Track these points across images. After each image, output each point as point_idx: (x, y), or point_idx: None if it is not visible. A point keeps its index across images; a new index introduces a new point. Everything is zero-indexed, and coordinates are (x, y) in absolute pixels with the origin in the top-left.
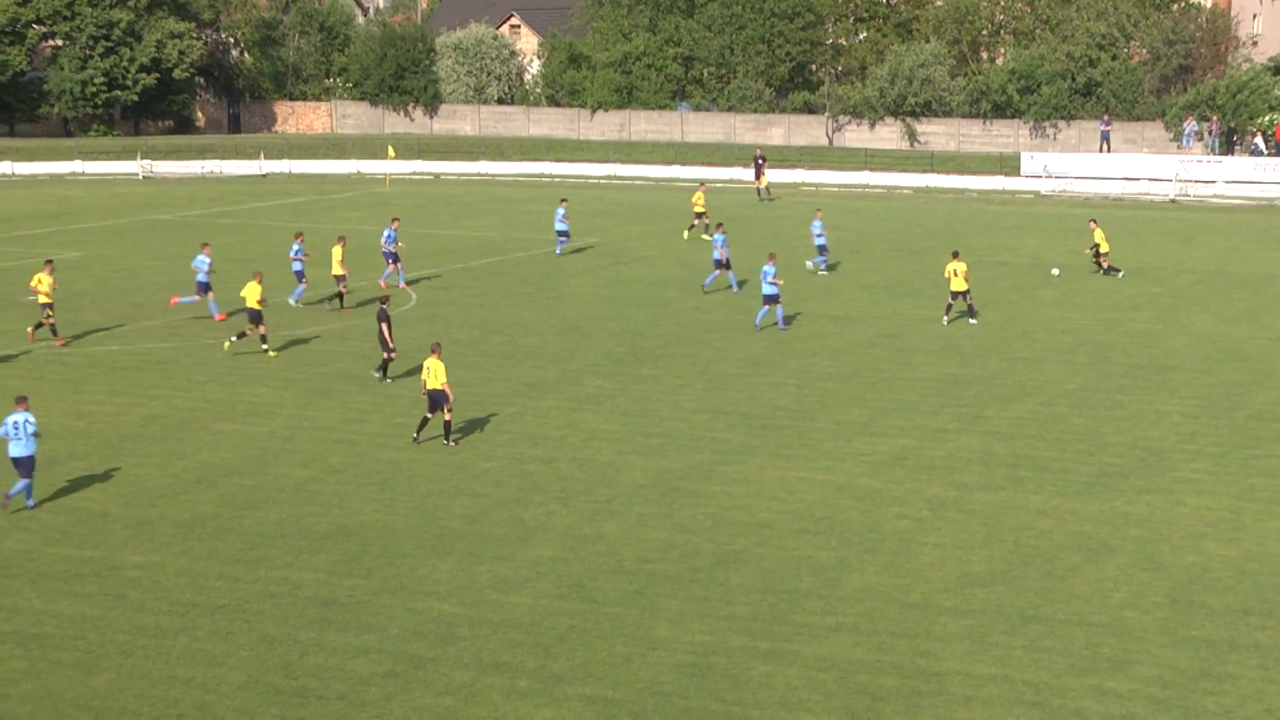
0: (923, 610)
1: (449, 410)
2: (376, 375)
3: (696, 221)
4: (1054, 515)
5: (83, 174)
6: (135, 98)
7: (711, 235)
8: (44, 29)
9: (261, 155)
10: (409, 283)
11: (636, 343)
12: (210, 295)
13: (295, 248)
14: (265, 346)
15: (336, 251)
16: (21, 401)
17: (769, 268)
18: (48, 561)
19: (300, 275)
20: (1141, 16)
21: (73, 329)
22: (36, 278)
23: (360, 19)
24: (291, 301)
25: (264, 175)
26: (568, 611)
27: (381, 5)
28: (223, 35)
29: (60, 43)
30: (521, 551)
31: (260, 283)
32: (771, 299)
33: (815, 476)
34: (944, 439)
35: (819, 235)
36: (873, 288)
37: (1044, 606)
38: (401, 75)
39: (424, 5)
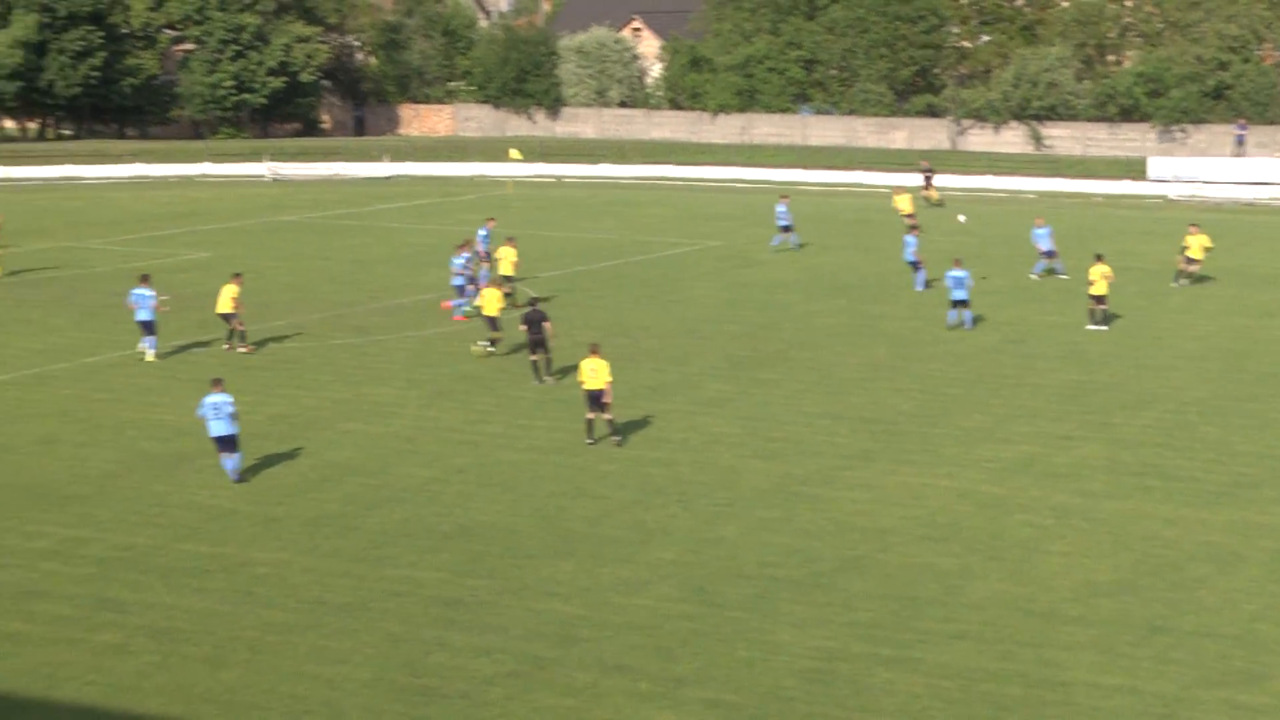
0: (1048, 619)
1: (609, 409)
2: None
3: (910, 222)
4: (1182, 525)
5: (212, 176)
6: (263, 101)
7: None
8: (175, 33)
9: (385, 158)
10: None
11: (757, 346)
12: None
13: (464, 258)
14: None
15: (509, 253)
16: (217, 384)
17: (959, 273)
18: (178, 558)
19: (461, 289)
20: (1275, 18)
21: (202, 330)
22: (226, 289)
23: (483, 22)
24: (456, 316)
25: (388, 178)
26: (689, 615)
27: (504, 8)
28: (348, 39)
29: (191, 47)
30: (643, 554)
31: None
32: (961, 303)
33: (938, 483)
34: (1069, 446)
35: (1042, 240)
36: (996, 292)
37: (1172, 617)
38: (524, 78)
39: (546, 8)
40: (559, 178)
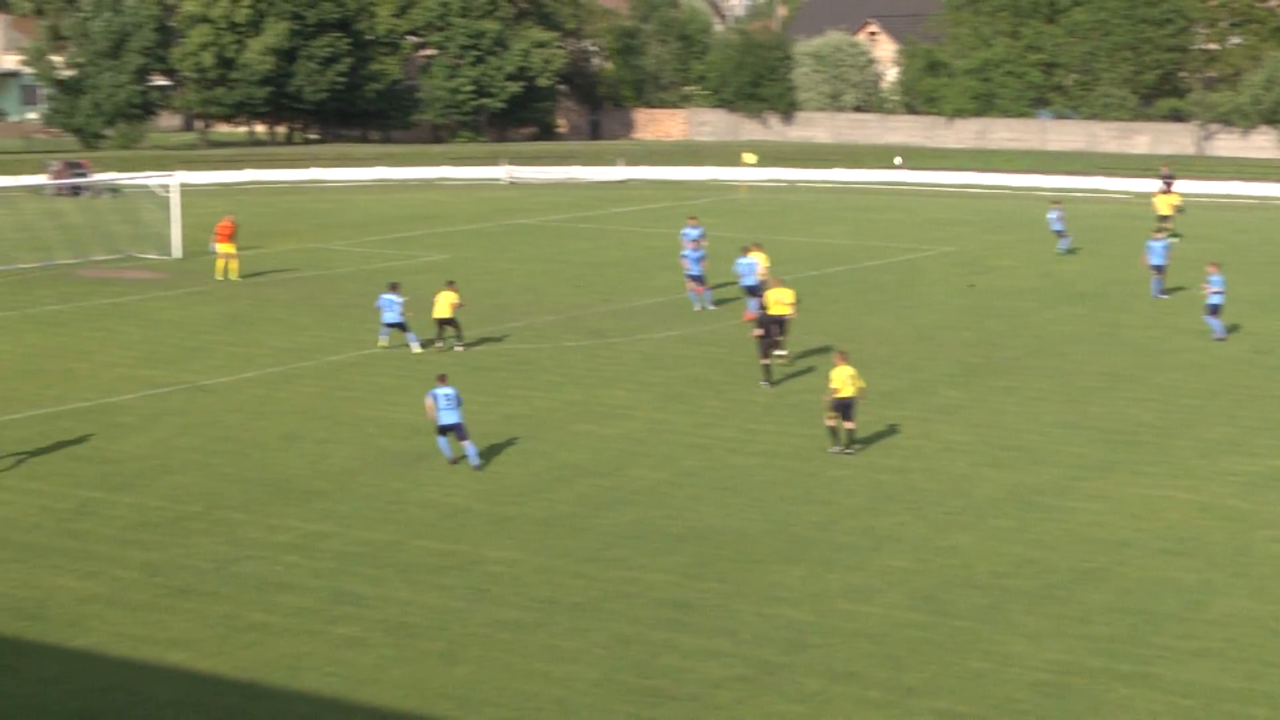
0: None
1: (846, 419)
2: (763, 384)
3: (1163, 225)
4: None
5: (451, 179)
6: (501, 105)
7: (1160, 241)
8: (418, 39)
9: (620, 161)
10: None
11: (992, 353)
12: (752, 298)
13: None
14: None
15: (761, 257)
16: (442, 379)
17: (1216, 277)
18: (415, 554)
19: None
20: None
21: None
22: (441, 295)
23: (718, 26)
24: (699, 308)
25: (622, 181)
26: (919, 623)
27: (740, 13)
28: (585, 44)
29: (433, 52)
30: (873, 561)
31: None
32: (1215, 309)
33: (1178, 495)
34: None
35: None
36: (1243, 302)
37: None
38: (758, 83)
39: (782, 13)
40: (792, 182)
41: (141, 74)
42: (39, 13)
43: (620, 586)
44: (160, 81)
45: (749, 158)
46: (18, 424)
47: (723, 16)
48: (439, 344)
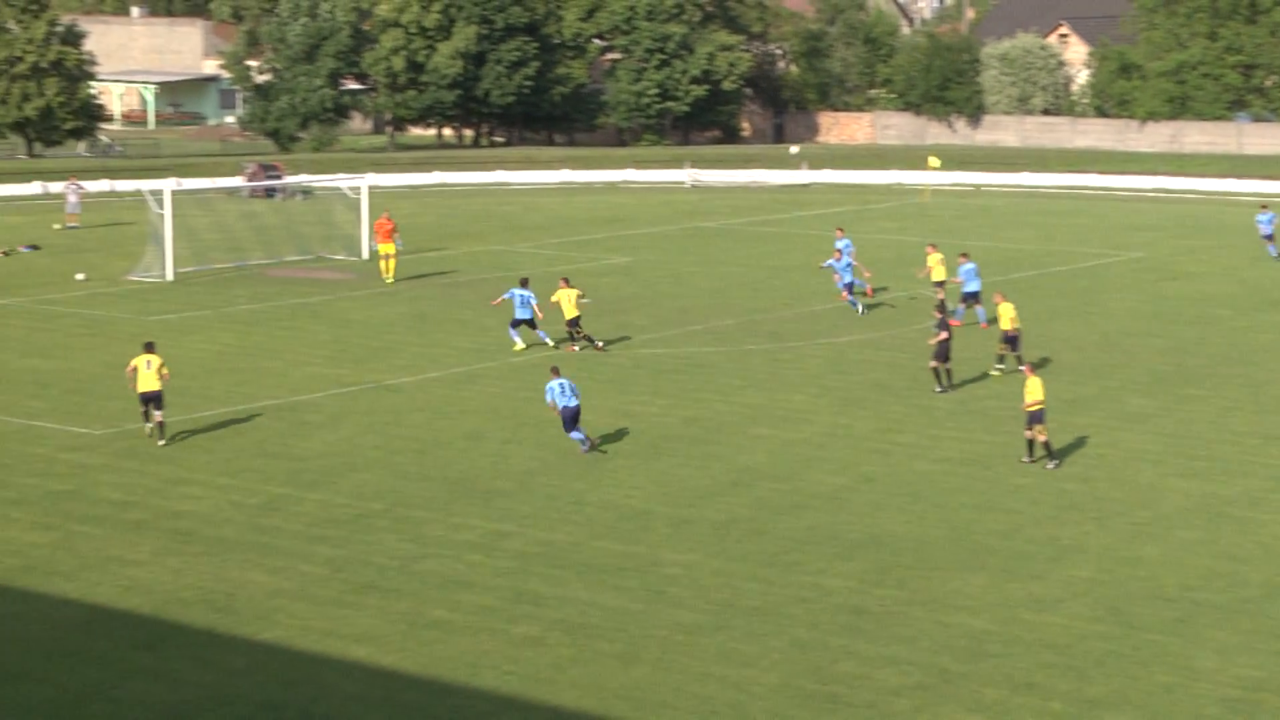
0: None
1: (1042, 429)
2: (937, 389)
3: None
4: None
5: (634, 182)
6: (685, 108)
7: None
8: (604, 43)
9: (804, 165)
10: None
11: (1182, 361)
12: (977, 305)
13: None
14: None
15: (935, 259)
16: (555, 371)
17: None
18: (594, 555)
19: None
20: None
21: (620, 330)
22: (562, 294)
23: (905, 29)
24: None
25: (806, 185)
26: (1104, 635)
27: (928, 15)
28: (770, 47)
29: (618, 56)
30: (1056, 571)
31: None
32: None
33: None
34: None
35: None
36: None
37: None
38: (946, 86)
39: (970, 15)
40: (977, 186)
41: (335, 78)
42: (238, 18)
43: (798, 591)
44: (352, 85)
45: (934, 161)
46: (210, 420)
47: (910, 19)
48: (573, 347)
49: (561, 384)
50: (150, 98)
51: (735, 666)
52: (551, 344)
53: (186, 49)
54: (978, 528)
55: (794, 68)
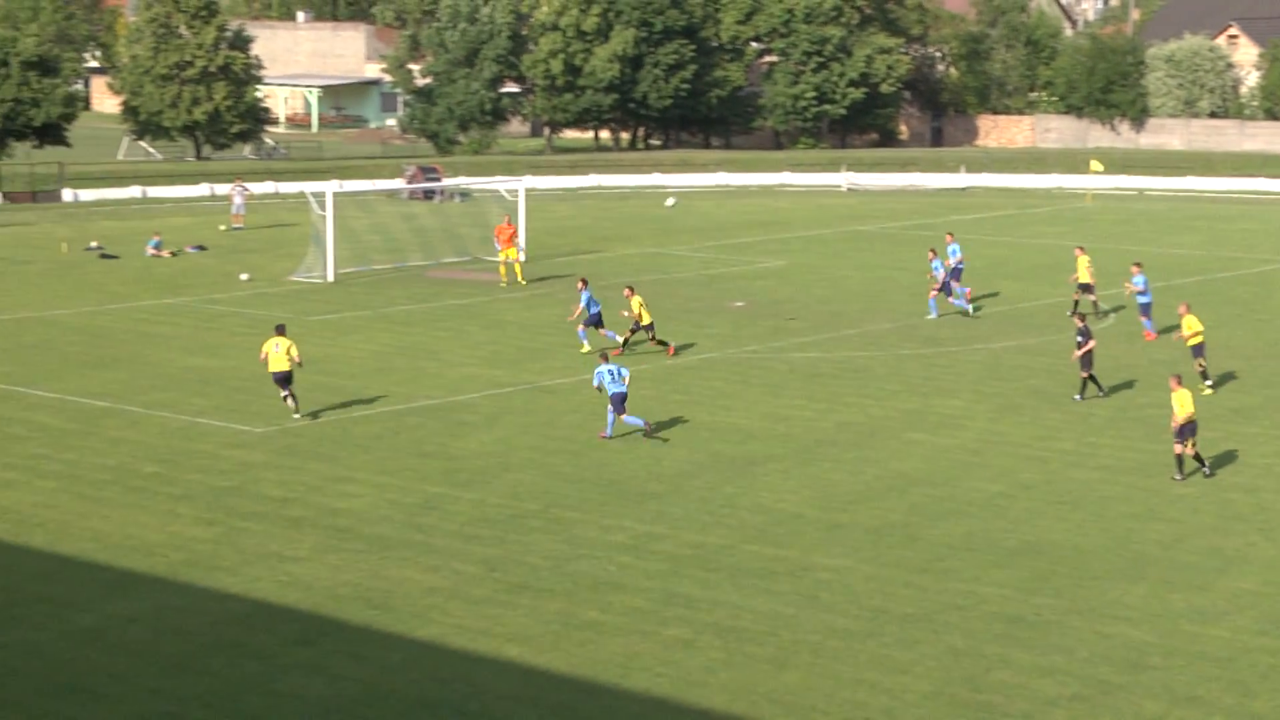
0: None
1: (1193, 442)
2: (1100, 393)
3: None
4: None
5: (790, 185)
6: (843, 111)
7: None
8: (761, 46)
9: (962, 169)
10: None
11: None
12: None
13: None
14: None
15: (1083, 261)
16: (604, 357)
17: None
18: (745, 558)
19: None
20: None
21: (775, 337)
22: (634, 300)
23: (1068, 31)
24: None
25: (964, 189)
26: (1269, 649)
27: (1091, 17)
28: (929, 50)
29: (775, 59)
30: (1220, 582)
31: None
32: None
33: None
34: None
35: None
36: None
37: None
38: (1109, 88)
39: (1136, 16)
40: (1141, 190)
41: (494, 81)
42: (400, 23)
43: (953, 599)
44: (511, 88)
45: (1096, 165)
46: (369, 419)
47: (1073, 21)
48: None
49: (611, 370)
50: (314, 101)
51: (888, 673)
52: (619, 340)
53: (350, 53)
54: (1138, 537)
55: (953, 70)
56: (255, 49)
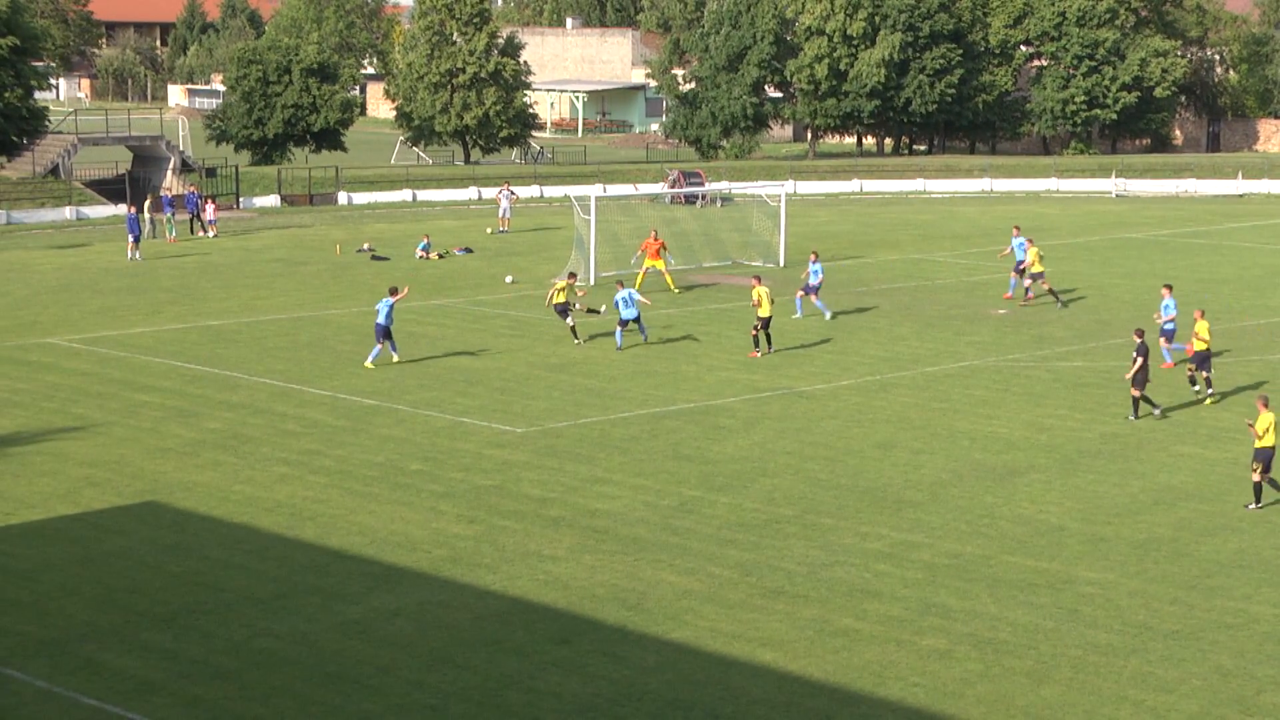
0: None
1: (1259, 467)
2: (1156, 412)
3: None
4: None
5: (1057, 192)
6: (1114, 116)
7: None
8: (1031, 49)
9: (1239, 175)
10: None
11: None
12: None
13: None
14: None
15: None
16: (621, 285)
17: None
18: (1005, 569)
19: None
20: None
21: (1038, 346)
22: (760, 289)
23: None
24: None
25: (1240, 195)
26: None
27: None
28: (1207, 52)
29: (1045, 62)
30: None
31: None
32: None
33: None
34: None
35: None
36: None
37: None
38: None
39: None
40: None
41: (757, 87)
42: (665, 28)
43: (1221, 617)
44: (773, 94)
45: None
46: (627, 422)
47: None
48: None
49: (628, 295)
50: (580, 106)
51: (1152, 691)
52: (829, 315)
53: (616, 58)
54: None
55: (1233, 74)
56: (524, 55)
